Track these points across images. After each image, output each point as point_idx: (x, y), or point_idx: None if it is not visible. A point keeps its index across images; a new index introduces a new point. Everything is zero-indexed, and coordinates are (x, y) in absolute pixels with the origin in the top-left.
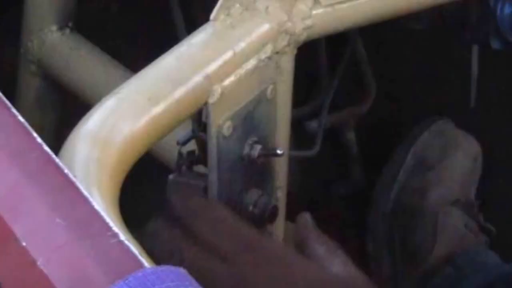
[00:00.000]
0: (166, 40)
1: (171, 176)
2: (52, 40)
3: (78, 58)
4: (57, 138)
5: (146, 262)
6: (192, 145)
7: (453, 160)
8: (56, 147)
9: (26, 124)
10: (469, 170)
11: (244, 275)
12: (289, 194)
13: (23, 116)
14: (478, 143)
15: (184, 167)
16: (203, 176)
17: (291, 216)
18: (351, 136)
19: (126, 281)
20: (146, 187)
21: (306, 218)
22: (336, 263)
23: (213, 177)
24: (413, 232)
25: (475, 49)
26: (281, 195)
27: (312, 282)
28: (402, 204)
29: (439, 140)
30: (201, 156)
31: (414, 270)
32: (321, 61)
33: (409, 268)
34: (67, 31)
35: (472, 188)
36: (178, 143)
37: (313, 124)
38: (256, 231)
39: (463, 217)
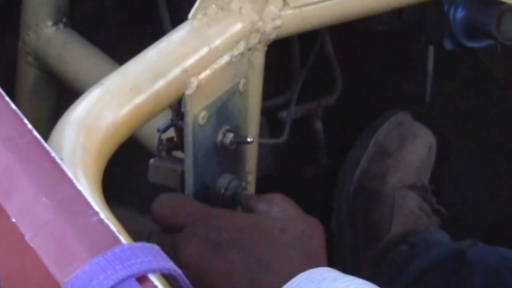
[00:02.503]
0: (156, 35)
1: (152, 161)
2: (47, 34)
3: (70, 51)
4: (52, 124)
5: (123, 239)
6: (171, 133)
7: (410, 148)
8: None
9: (18, 111)
10: (425, 157)
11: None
12: (262, 178)
13: (21, 102)
14: (432, 133)
15: (163, 153)
16: (181, 161)
17: None
18: (319, 125)
19: (105, 256)
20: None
21: (245, 193)
22: (276, 211)
23: (189, 162)
24: (372, 212)
25: (431, 49)
26: (251, 179)
27: (242, 225)
28: (364, 187)
29: (398, 130)
30: (179, 143)
31: (373, 247)
32: (294, 56)
33: (368, 245)
34: (61, 26)
35: (427, 174)
36: (158, 131)
37: (284, 114)
38: (209, 206)
39: (418, 200)
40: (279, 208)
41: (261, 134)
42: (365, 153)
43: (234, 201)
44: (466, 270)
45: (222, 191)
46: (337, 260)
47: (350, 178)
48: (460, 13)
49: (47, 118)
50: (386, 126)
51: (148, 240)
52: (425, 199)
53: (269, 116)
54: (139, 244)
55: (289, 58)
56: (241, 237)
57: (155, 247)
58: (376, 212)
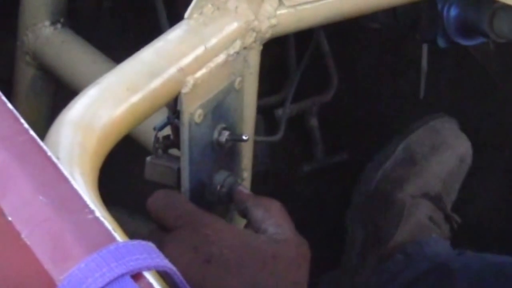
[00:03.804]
0: (153, 35)
1: (148, 158)
2: (45, 34)
3: (68, 51)
4: (50, 123)
5: (118, 236)
6: (168, 131)
7: (439, 159)
8: None
9: (14, 110)
10: (454, 169)
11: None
12: (258, 174)
13: (19, 102)
14: (469, 144)
15: (160, 151)
16: (177, 159)
17: (259, 193)
18: (314, 122)
19: (100, 253)
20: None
21: (241, 189)
22: (271, 223)
23: (185, 159)
24: (383, 217)
25: (425, 46)
26: (247, 176)
27: (233, 242)
28: (381, 189)
29: (431, 137)
30: (175, 141)
31: (377, 251)
32: (290, 55)
33: (374, 248)
34: (59, 26)
35: (454, 186)
36: (155, 129)
37: (280, 112)
38: (205, 212)
39: (430, 209)
40: (273, 221)
41: (257, 132)
42: (392, 155)
43: (230, 198)
44: (450, 281)
45: (218, 187)
46: (344, 255)
47: (372, 178)
48: (453, 12)
49: (45, 117)
50: (420, 132)
51: (149, 236)
52: (439, 207)
53: (265, 114)
54: (134, 242)
55: (285, 56)
56: (232, 256)
57: (150, 245)
58: (386, 218)
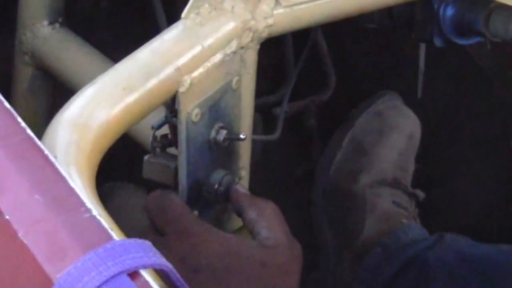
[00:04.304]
0: (151, 35)
1: (146, 157)
2: (43, 33)
3: (66, 51)
4: (48, 122)
5: (115, 235)
6: (166, 129)
7: (386, 143)
8: None
9: (12, 110)
10: (403, 148)
11: (169, 244)
12: (254, 173)
13: (17, 101)
14: (415, 118)
15: (158, 149)
16: (175, 158)
17: (256, 193)
18: (312, 122)
19: (97, 252)
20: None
21: (237, 188)
22: (264, 226)
23: (183, 158)
24: (346, 213)
25: (422, 46)
26: (244, 175)
27: (221, 251)
28: (337, 185)
29: (375, 123)
30: (173, 140)
31: (350, 249)
32: (288, 54)
33: (347, 245)
34: (57, 25)
35: (408, 161)
36: (152, 128)
37: (278, 111)
38: (195, 218)
39: (392, 195)
40: (266, 224)
41: (254, 131)
42: (341, 148)
43: (227, 197)
44: (428, 275)
45: (216, 186)
46: (320, 255)
47: (326, 174)
48: (449, 11)
49: (43, 117)
50: (364, 117)
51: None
52: (400, 188)
53: (263, 113)
54: (131, 240)
55: (283, 55)
56: (220, 266)
57: (147, 243)
58: (350, 214)
